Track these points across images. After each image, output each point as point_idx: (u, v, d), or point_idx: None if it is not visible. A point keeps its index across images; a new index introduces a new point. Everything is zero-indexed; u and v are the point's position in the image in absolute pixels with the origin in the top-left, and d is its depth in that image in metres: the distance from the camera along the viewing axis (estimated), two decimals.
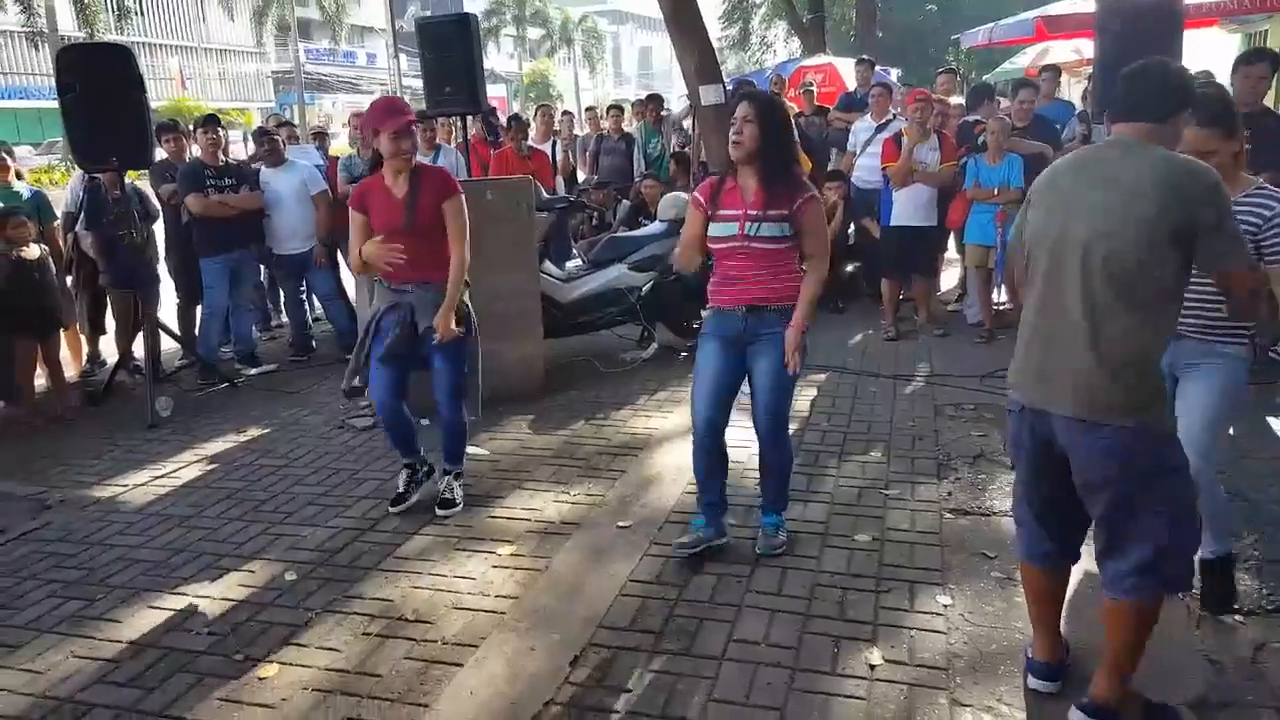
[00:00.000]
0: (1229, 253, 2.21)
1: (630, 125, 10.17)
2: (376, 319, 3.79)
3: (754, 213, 3.15)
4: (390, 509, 3.95)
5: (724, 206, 3.22)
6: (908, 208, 6.33)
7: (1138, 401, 2.23)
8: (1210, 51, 9.00)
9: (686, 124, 10.22)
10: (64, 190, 6.64)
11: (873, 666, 2.73)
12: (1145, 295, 2.20)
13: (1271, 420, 4.66)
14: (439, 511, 3.89)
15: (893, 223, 6.45)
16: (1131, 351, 2.22)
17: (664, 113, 9.89)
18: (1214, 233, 2.16)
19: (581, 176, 9.34)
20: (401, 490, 4.01)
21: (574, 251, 7.06)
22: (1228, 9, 8.53)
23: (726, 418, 3.38)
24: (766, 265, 3.19)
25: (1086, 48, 10.53)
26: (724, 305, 3.28)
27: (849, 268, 7.47)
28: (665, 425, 4.91)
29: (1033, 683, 2.59)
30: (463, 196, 3.73)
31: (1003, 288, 6.15)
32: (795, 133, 3.34)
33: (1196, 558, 2.67)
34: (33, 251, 5.33)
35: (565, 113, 10.88)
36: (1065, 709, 2.46)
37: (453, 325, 3.70)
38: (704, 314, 3.42)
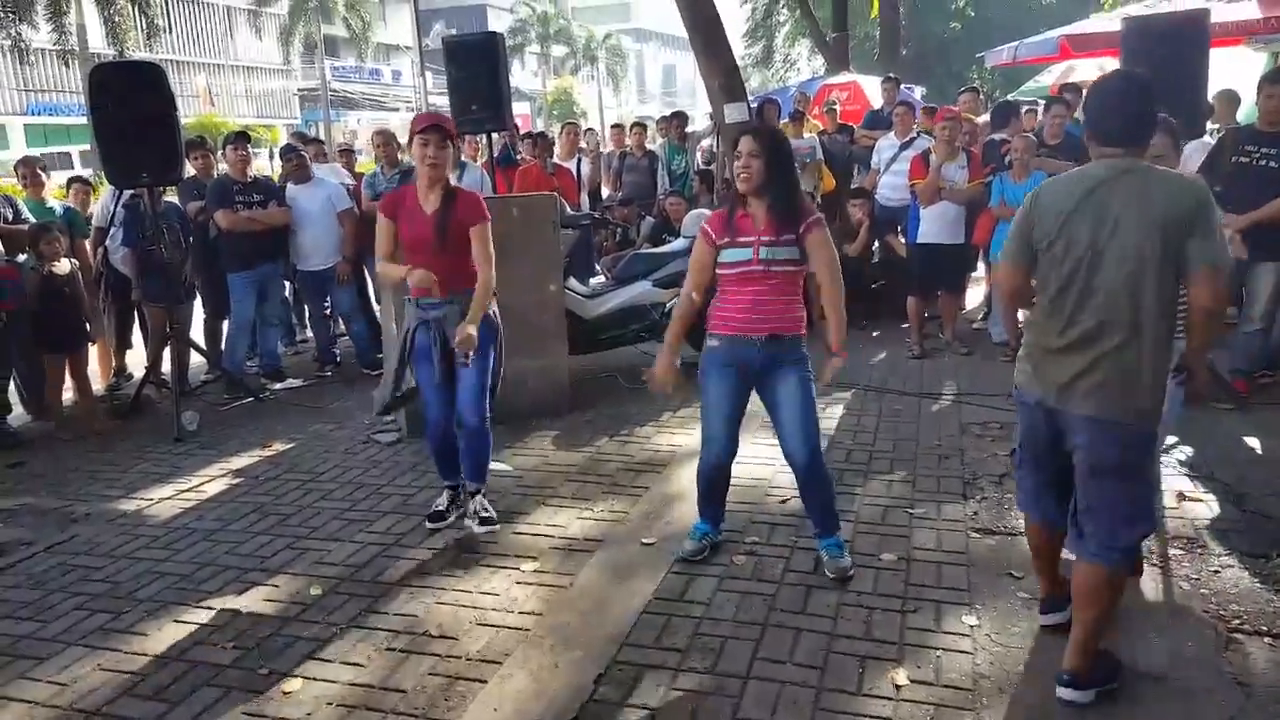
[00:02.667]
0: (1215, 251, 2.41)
1: (654, 143, 10.20)
2: (409, 335, 3.80)
3: (767, 238, 3.21)
4: (428, 524, 3.95)
5: (739, 233, 3.25)
6: (935, 225, 6.30)
7: (1155, 405, 2.50)
8: (1236, 70, 8.91)
9: (707, 143, 10.24)
10: (94, 205, 6.71)
11: (899, 687, 2.70)
12: (1166, 307, 2.44)
13: None
14: (478, 529, 3.87)
15: (920, 240, 6.42)
16: (1161, 359, 2.47)
17: (688, 130, 9.91)
18: (1209, 236, 2.40)
19: (605, 193, 9.36)
20: (443, 509, 4.01)
21: (597, 268, 7.07)
22: (1253, 28, 8.45)
23: (738, 442, 3.46)
24: (782, 292, 3.24)
25: (1111, 66, 10.47)
26: (737, 333, 3.28)
27: (874, 285, 7.44)
28: (689, 442, 4.88)
29: (1045, 619, 2.92)
30: (489, 224, 3.73)
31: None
32: (793, 159, 3.40)
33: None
34: (64, 266, 5.40)
35: (589, 129, 10.91)
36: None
37: (473, 335, 3.62)
38: (710, 342, 3.39)
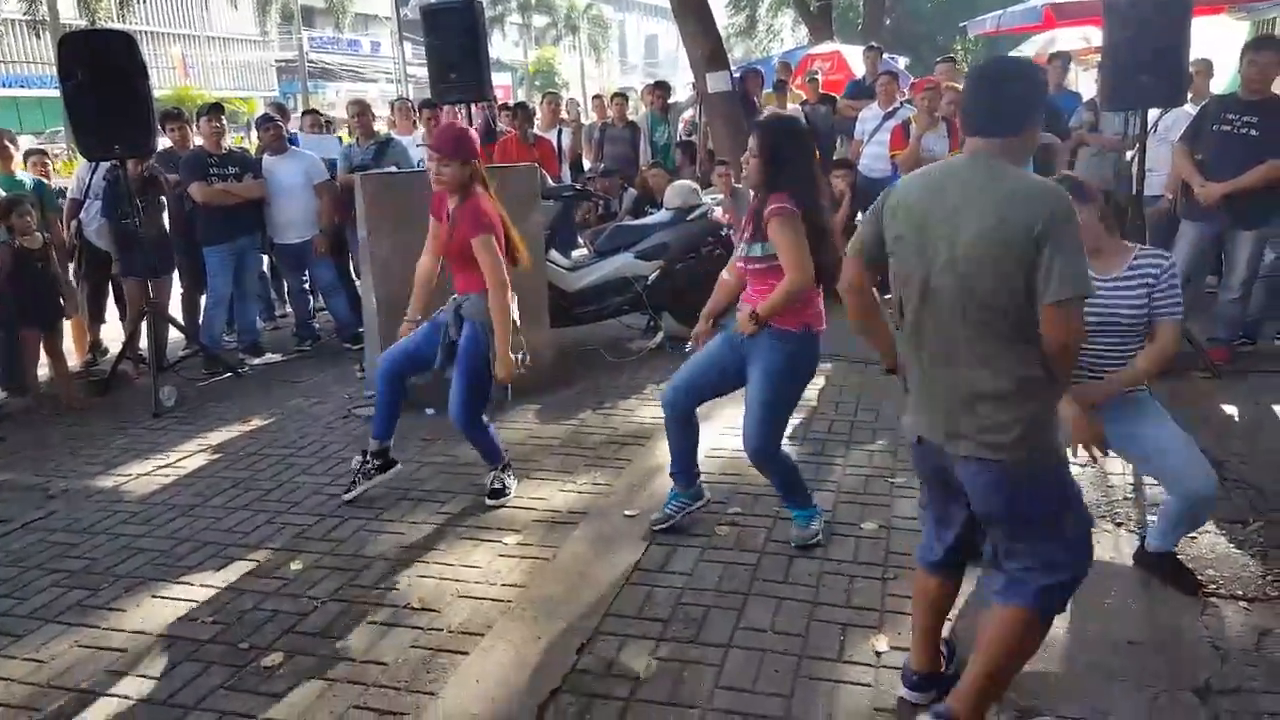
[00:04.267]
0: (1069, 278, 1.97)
1: (636, 113, 10.11)
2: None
3: (747, 234, 3.28)
4: (344, 497, 3.94)
5: (742, 228, 3.37)
6: None
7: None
8: (1218, 39, 8.90)
9: (689, 114, 10.16)
10: (69, 179, 6.60)
11: (879, 653, 2.73)
12: (1010, 328, 2.07)
13: (1277, 408, 4.63)
14: (489, 502, 3.88)
15: None
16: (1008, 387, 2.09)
17: (670, 101, 9.83)
18: (1058, 255, 1.96)
19: (587, 165, 9.29)
20: (355, 466, 4.04)
21: (579, 240, 7.02)
22: None
23: (692, 400, 3.44)
24: (761, 284, 3.25)
25: (1095, 35, 10.43)
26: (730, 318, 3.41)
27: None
28: None
29: (906, 694, 2.51)
30: (491, 237, 3.63)
31: None
32: (810, 150, 3.34)
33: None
34: (36, 240, 5.31)
35: (570, 99, 10.79)
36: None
37: (513, 362, 3.71)
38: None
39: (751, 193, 3.34)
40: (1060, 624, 2.80)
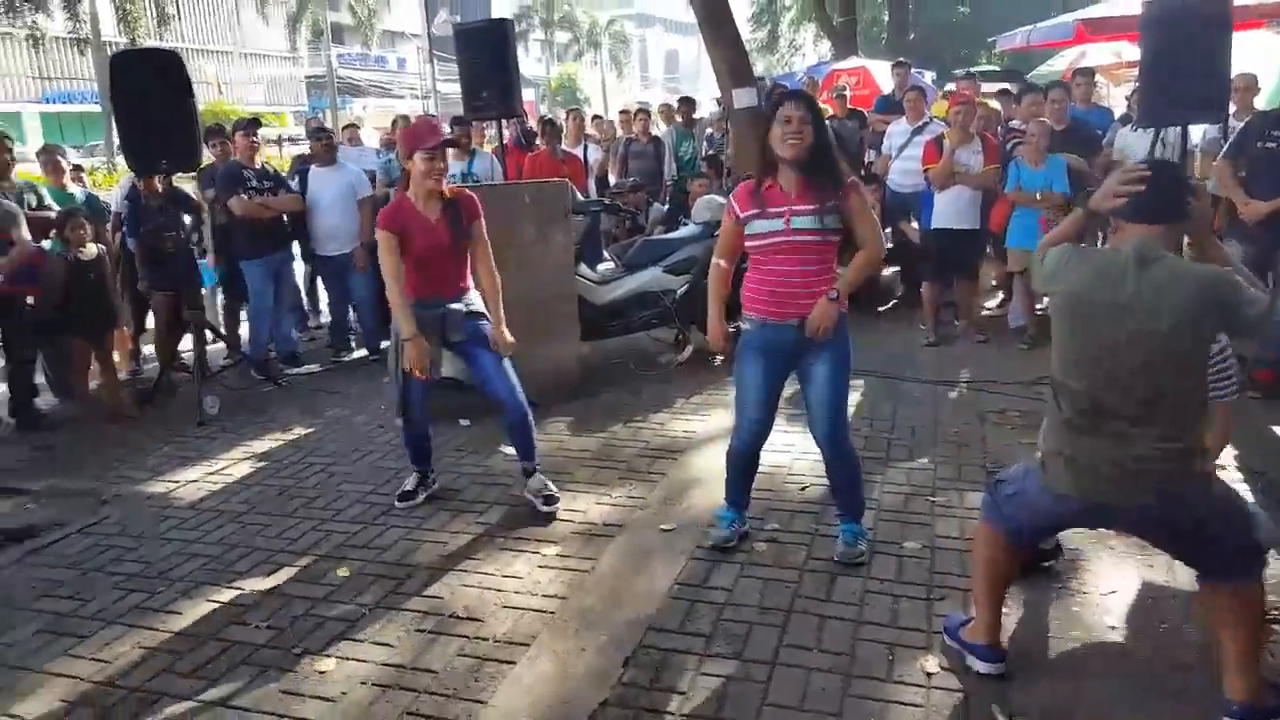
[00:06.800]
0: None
1: (659, 129, 10.18)
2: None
3: (799, 206, 3.13)
4: (398, 504, 4.05)
5: (769, 204, 3.17)
6: (949, 210, 6.28)
7: None
8: (1257, 54, 8.87)
9: (711, 130, 10.21)
10: (114, 190, 6.75)
11: (929, 674, 2.71)
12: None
13: None
14: (544, 509, 3.92)
15: (934, 225, 6.39)
16: None
17: (696, 116, 9.90)
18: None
19: (613, 179, 9.37)
20: (411, 489, 4.13)
21: (605, 254, 7.09)
22: (1275, 10, 8.41)
23: (772, 425, 3.45)
24: (814, 264, 3.15)
25: (1128, 50, 10.41)
26: (769, 317, 3.24)
27: (886, 271, 7.45)
28: (703, 428, 4.92)
29: (983, 667, 2.66)
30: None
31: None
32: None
33: None
34: (90, 251, 5.44)
35: (595, 117, 10.87)
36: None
37: (508, 336, 3.89)
38: (744, 324, 3.35)
39: (794, 169, 3.15)
40: (1112, 648, 2.83)
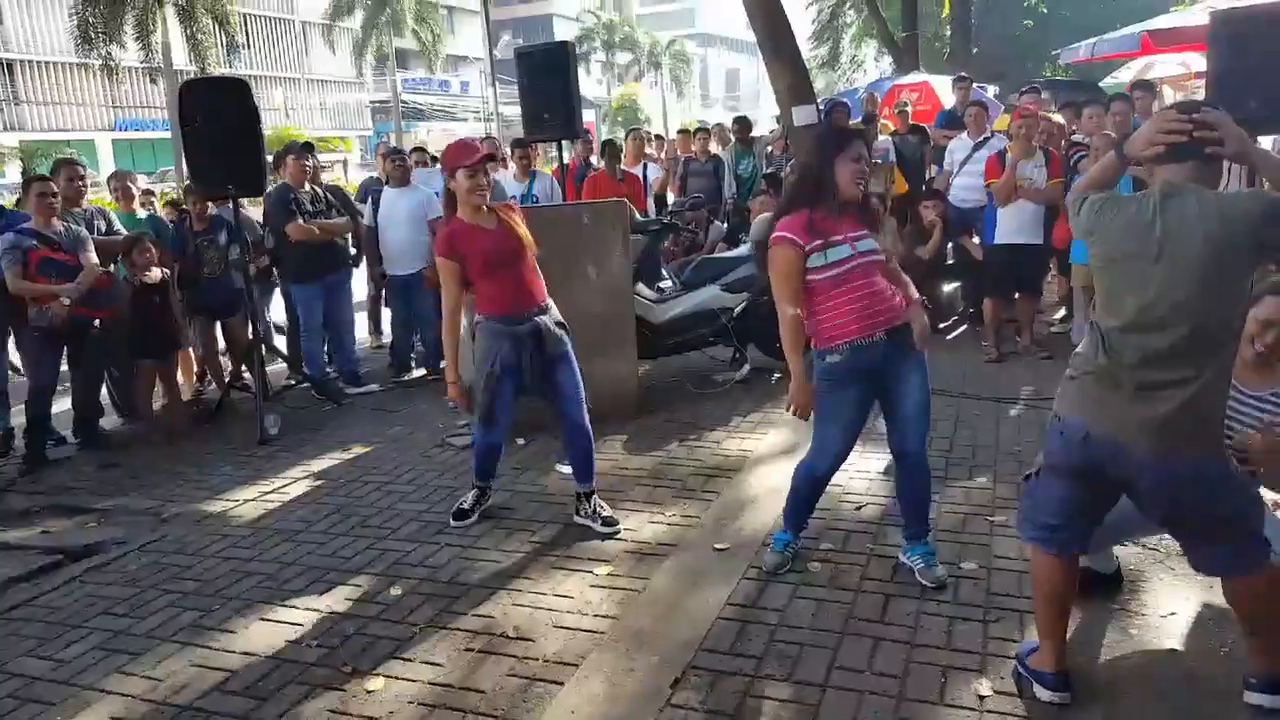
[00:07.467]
0: None
1: (717, 148, 10.17)
2: (499, 357, 3.80)
3: (851, 232, 3.20)
4: (453, 522, 4.06)
5: (829, 233, 3.17)
6: (1013, 225, 6.14)
7: None
8: None
9: (770, 149, 10.18)
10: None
11: (982, 698, 2.64)
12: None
13: None
14: (603, 529, 3.91)
15: (997, 241, 6.26)
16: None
17: (754, 135, 9.87)
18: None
19: (671, 199, 9.38)
20: (468, 507, 4.13)
21: (664, 273, 7.08)
22: None
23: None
24: (880, 278, 3.22)
25: (1195, 61, 10.10)
26: (858, 338, 3.16)
27: (947, 287, 7.31)
28: (759, 447, 4.86)
29: (1046, 695, 2.58)
30: None
31: None
32: None
33: None
34: (155, 275, 5.61)
35: (656, 136, 10.90)
36: None
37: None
38: (830, 357, 3.20)
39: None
40: (1172, 671, 2.72)
